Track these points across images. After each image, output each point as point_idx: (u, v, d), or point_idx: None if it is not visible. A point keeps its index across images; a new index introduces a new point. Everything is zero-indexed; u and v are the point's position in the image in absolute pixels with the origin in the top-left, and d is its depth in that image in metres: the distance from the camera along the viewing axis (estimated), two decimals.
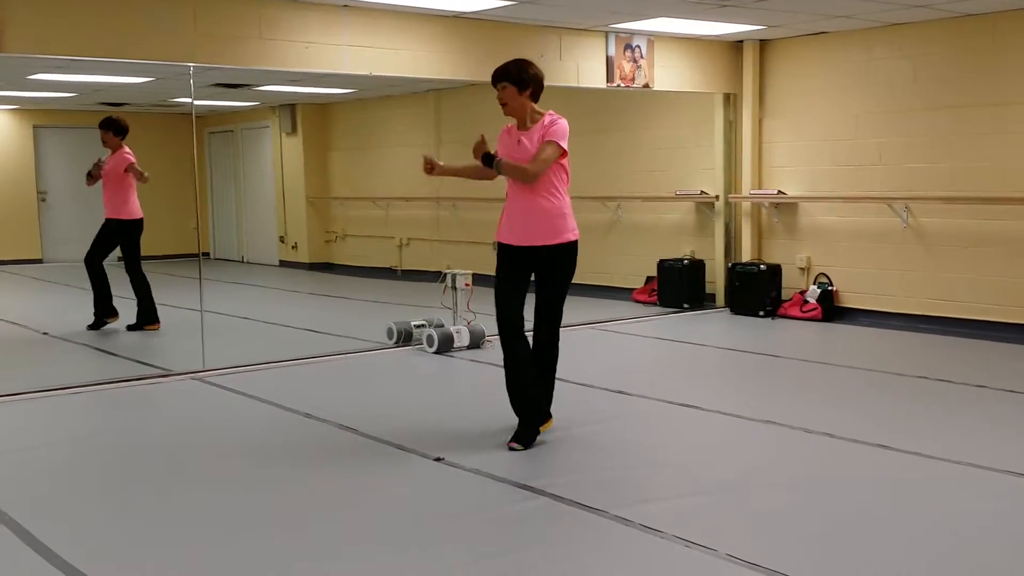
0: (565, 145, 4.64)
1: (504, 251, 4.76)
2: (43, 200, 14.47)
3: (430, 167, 4.90)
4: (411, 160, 12.38)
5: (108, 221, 8.37)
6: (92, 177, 8.42)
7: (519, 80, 4.65)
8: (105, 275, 8.37)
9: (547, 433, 4.87)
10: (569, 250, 4.71)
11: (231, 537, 3.64)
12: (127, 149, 8.34)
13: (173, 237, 14.51)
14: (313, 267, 13.71)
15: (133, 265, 8.33)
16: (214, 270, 13.49)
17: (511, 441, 4.67)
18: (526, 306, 4.78)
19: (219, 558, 3.44)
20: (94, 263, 8.34)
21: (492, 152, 4.67)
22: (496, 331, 4.76)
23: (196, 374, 6.48)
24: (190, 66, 6.56)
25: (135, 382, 6.29)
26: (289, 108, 13.60)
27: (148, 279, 8.36)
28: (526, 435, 4.70)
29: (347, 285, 11.94)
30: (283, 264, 14.24)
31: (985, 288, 7.56)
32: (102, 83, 10.46)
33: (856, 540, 3.50)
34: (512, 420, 4.80)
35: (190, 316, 8.38)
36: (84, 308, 8.39)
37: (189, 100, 7.61)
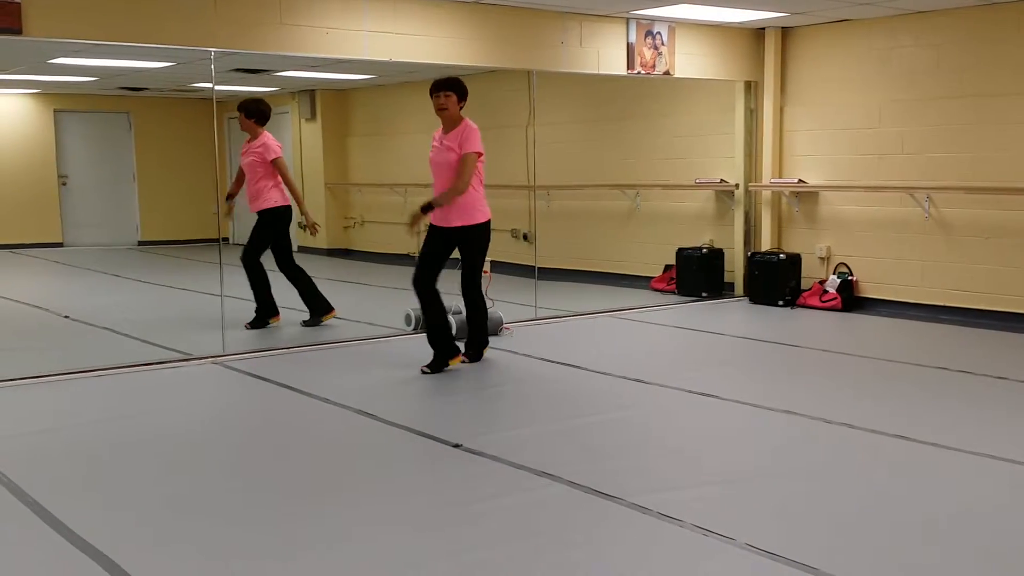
0: (480, 148, 5.93)
1: (431, 230, 6.17)
2: (64, 184, 14.55)
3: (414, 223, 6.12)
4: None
5: (260, 214, 7.75)
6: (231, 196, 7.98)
7: (463, 93, 6.01)
8: (263, 272, 7.79)
9: (565, 421, 4.88)
10: (479, 229, 6.09)
11: (248, 519, 3.66)
12: (270, 136, 7.73)
13: (193, 222, 14.60)
14: (332, 253, 13.74)
15: (286, 259, 7.80)
16: (234, 255, 13.52)
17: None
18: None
19: (236, 539, 3.46)
20: (249, 261, 7.76)
21: (426, 202, 6.05)
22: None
23: (216, 358, 6.52)
24: (211, 51, 6.57)
25: (156, 366, 6.33)
26: (308, 94, 13.61)
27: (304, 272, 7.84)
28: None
29: (365, 271, 11.97)
30: (301, 250, 14.20)
31: (1007, 279, 7.50)
32: (123, 68, 10.50)
33: (874, 531, 3.49)
34: (523, 406, 4.80)
35: (210, 301, 8.41)
36: (105, 292, 8.44)
37: (209, 85, 7.60)
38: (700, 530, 3.46)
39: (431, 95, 5.98)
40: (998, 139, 7.48)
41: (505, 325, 7.37)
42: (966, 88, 7.65)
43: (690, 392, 5.54)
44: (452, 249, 6.17)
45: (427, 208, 6.00)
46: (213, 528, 3.58)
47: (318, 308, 7.85)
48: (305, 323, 7.82)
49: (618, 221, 10.18)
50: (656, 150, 9.87)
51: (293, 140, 14.26)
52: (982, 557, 3.27)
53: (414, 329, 7.42)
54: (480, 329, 6.37)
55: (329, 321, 7.86)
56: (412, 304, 7.71)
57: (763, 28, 8.73)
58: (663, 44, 8.21)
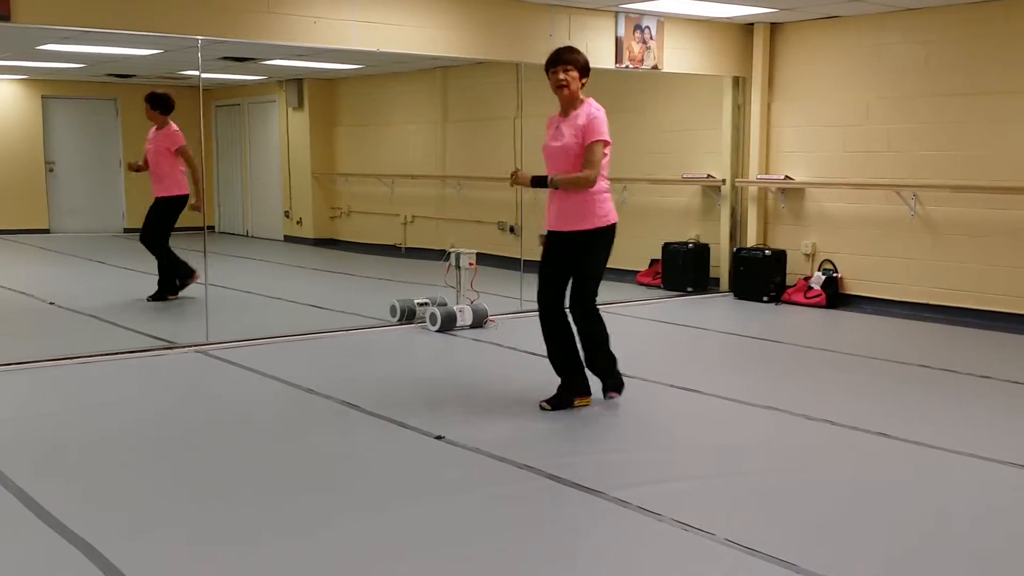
0: (607, 136, 4.92)
1: (549, 238, 5.12)
2: (51, 171, 14.47)
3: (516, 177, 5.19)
4: (417, 137, 12.37)
5: (158, 200, 8.35)
6: (136, 169, 8.54)
7: (584, 68, 4.99)
8: (170, 251, 8.36)
9: (550, 414, 4.91)
10: (603, 234, 5.00)
11: (227, 507, 3.65)
12: (175, 126, 8.32)
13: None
14: (318, 243, 13.71)
15: (160, 239, 8.32)
16: (219, 244, 13.50)
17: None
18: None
19: (215, 525, 3.46)
20: (156, 244, 8.32)
21: (541, 176, 4.99)
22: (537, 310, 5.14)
23: (200, 347, 6.50)
24: (198, 39, 6.54)
25: (140, 354, 6.31)
26: (296, 83, 13.57)
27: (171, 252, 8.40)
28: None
29: (351, 261, 11.95)
30: (288, 239, 14.24)
31: (992, 278, 7.54)
32: (111, 55, 10.43)
33: (854, 527, 3.51)
34: (507, 398, 4.81)
35: (195, 289, 8.38)
36: (90, 279, 8.41)
37: (197, 73, 7.59)
38: (680, 524, 3.48)
39: (547, 71, 5.01)
40: (986, 137, 7.51)
41: (490, 317, 7.38)
42: (954, 86, 7.67)
43: (673, 387, 5.55)
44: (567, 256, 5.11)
45: (539, 181, 4.99)
46: (191, 512, 3.58)
47: (168, 288, 8.41)
48: (151, 297, 8.38)
49: None
50: (643, 144, 9.87)
51: (280, 129, 14.21)
52: (961, 555, 3.30)
53: (399, 320, 7.42)
54: (602, 354, 5.14)
55: (191, 288, 8.42)
56: (398, 295, 7.72)
57: (752, 24, 8.74)
58: (652, 38, 8.21)
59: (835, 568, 3.13)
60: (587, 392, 5.08)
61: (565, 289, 5.05)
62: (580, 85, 4.99)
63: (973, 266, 7.65)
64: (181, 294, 8.45)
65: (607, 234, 5.00)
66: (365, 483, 3.96)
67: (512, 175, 5.19)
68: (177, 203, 8.34)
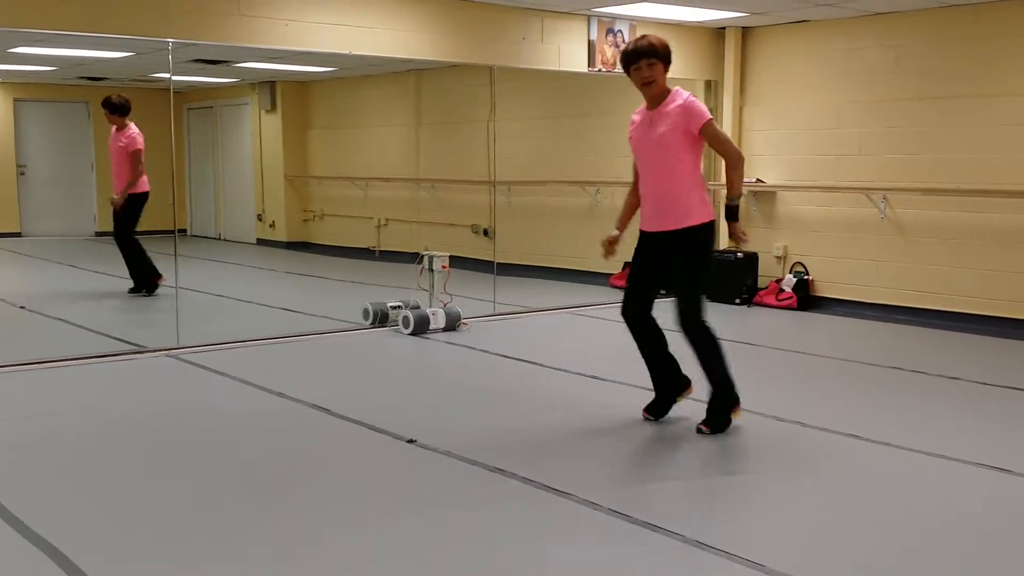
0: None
1: (641, 240, 4.81)
2: (22, 174, 14.31)
3: (611, 246, 4.93)
4: (391, 140, 12.35)
5: (128, 198, 8.75)
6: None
7: (667, 57, 4.58)
8: (139, 245, 8.75)
9: (520, 417, 4.90)
10: (701, 233, 4.61)
11: (194, 513, 3.63)
12: (134, 128, 8.74)
13: (150, 213, 14.33)
14: (291, 246, 13.64)
15: (127, 234, 8.72)
16: (191, 247, 13.40)
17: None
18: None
19: (181, 532, 3.43)
20: (124, 239, 8.73)
21: (732, 204, 4.67)
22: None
23: (171, 351, 6.45)
24: (169, 41, 6.50)
25: (110, 358, 6.25)
26: (269, 85, 13.50)
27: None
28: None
29: (324, 265, 11.90)
30: (260, 242, 14.16)
31: (962, 280, 7.62)
32: (83, 57, 10.34)
33: (821, 528, 3.53)
34: (479, 402, 4.80)
35: (165, 293, 8.32)
36: (61, 282, 8.36)
37: (168, 76, 7.57)
38: (649, 527, 3.48)
39: (626, 69, 4.59)
40: (955, 140, 7.59)
41: (463, 320, 7.37)
42: (925, 90, 7.75)
43: (644, 389, 5.54)
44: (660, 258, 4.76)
45: (732, 212, 4.64)
46: (158, 519, 3.55)
47: (144, 282, 8.73)
48: (131, 291, 8.74)
49: (578, 218, 10.20)
50: (617, 147, 9.86)
51: (253, 131, 14.14)
52: (932, 556, 3.32)
53: (372, 323, 7.40)
54: (715, 373, 4.69)
55: (160, 290, 8.63)
56: (371, 298, 7.69)
57: (724, 28, 8.79)
58: (624, 42, 8.23)
59: (804, 569, 3.14)
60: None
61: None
62: (665, 76, 4.59)
63: (942, 268, 7.72)
64: (149, 295, 8.65)
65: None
66: (335, 487, 3.94)
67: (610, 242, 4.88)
68: (141, 200, 8.72)
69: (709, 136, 4.52)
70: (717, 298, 8.83)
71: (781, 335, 7.55)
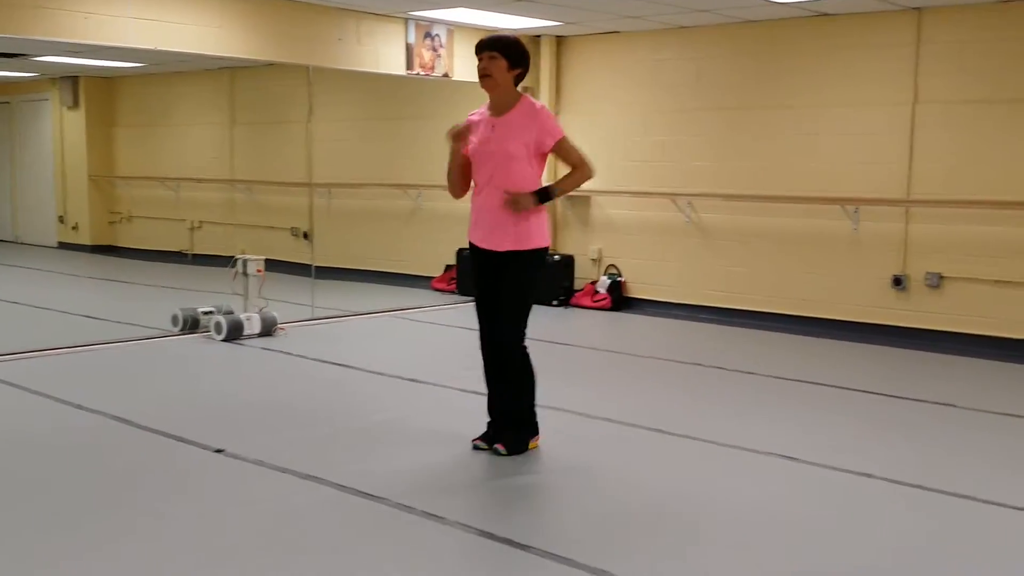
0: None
1: (474, 256, 4.53)
2: None
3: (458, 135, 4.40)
4: (204, 139, 11.93)
5: None
6: None
7: (514, 56, 4.29)
8: None
9: (336, 422, 4.83)
10: (535, 257, 4.44)
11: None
12: None
13: None
14: (96, 249, 12.95)
15: None
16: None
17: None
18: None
19: None
20: None
21: (552, 192, 4.34)
22: None
23: None
24: None
25: None
26: (71, 80, 12.79)
27: None
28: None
29: (132, 269, 11.38)
30: (62, 246, 13.39)
31: (759, 281, 8.06)
32: None
33: (637, 525, 3.65)
34: (292, 407, 4.70)
35: None
36: None
37: None
38: (462, 527, 3.51)
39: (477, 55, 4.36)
40: (751, 149, 8.02)
41: (279, 325, 7.21)
42: (723, 101, 8.15)
43: (464, 391, 5.60)
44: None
45: (545, 195, 4.31)
46: None
47: None
48: None
49: (400, 220, 10.18)
50: (436, 150, 9.89)
51: (53, 129, 13.36)
52: (726, 544, 3.49)
53: (182, 330, 7.13)
54: (524, 400, 4.53)
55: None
56: (181, 304, 7.41)
57: (539, 36, 8.96)
58: (442, 46, 8.28)
59: (631, 569, 3.24)
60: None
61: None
62: (512, 77, 4.32)
63: (742, 270, 8.14)
64: None
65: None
66: (136, 500, 3.77)
67: (512, 201, 4.28)
68: None
69: (563, 153, 4.38)
70: (536, 300, 8.98)
71: (595, 335, 7.77)
